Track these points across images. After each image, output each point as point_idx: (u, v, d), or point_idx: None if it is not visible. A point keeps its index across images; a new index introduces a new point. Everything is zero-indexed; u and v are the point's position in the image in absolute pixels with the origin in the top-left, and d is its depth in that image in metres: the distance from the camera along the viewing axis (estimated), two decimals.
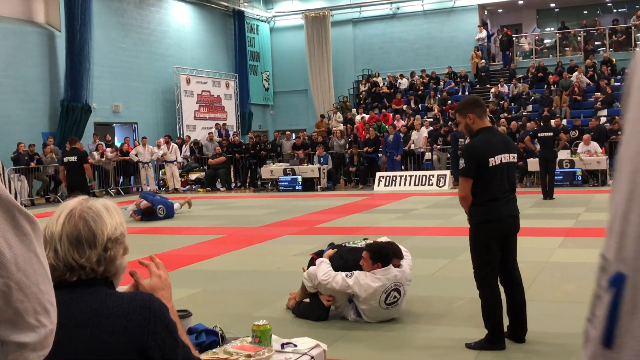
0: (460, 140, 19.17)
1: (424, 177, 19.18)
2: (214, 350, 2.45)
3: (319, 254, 6.04)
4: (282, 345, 2.57)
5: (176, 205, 14.45)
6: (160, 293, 1.89)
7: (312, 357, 2.50)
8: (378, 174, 19.79)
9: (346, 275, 5.38)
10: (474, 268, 4.88)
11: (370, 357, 4.80)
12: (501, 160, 4.78)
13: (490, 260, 4.81)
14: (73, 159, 13.41)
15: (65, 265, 1.74)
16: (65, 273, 1.73)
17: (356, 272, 5.39)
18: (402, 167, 20.35)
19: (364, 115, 24.96)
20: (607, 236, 0.61)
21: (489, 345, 4.78)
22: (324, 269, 5.50)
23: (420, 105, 26.05)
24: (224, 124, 26.10)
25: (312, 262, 5.92)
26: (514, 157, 4.91)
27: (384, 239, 6.12)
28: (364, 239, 6.17)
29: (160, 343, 1.71)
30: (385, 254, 5.44)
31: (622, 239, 0.58)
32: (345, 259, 5.68)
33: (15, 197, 0.91)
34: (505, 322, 4.94)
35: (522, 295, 4.93)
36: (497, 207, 4.76)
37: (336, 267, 5.57)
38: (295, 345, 2.58)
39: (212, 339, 2.53)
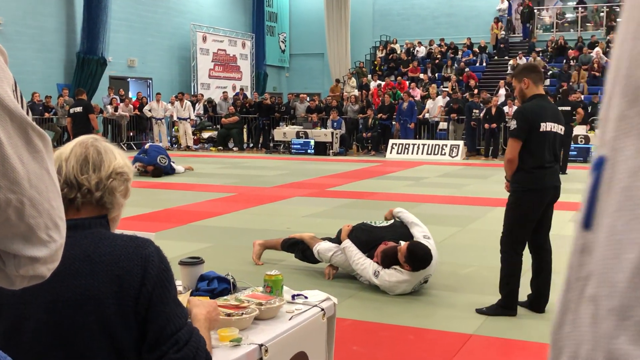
0: (474, 111, 19.06)
1: (437, 147, 19.09)
2: (225, 297, 2.46)
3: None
4: (293, 297, 2.58)
5: (179, 168, 14.51)
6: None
7: (323, 309, 2.51)
8: (391, 141, 19.71)
9: (374, 274, 5.33)
10: (504, 233, 4.86)
11: (378, 318, 4.83)
12: (551, 129, 4.75)
13: (525, 229, 4.79)
14: (78, 109, 13.47)
15: (65, 182, 1.75)
16: (63, 189, 1.72)
17: (382, 272, 5.30)
18: (416, 136, 20.25)
19: (379, 82, 24.78)
20: (598, 126, 0.61)
21: (501, 311, 4.80)
22: (357, 255, 5.45)
23: (437, 75, 25.81)
24: (241, 88, 25.82)
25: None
26: (561, 129, 4.85)
27: (404, 214, 5.96)
28: (385, 222, 5.97)
29: (150, 290, 1.67)
30: (422, 261, 5.24)
31: (605, 123, 0.58)
32: (360, 239, 5.64)
33: (27, 114, 0.92)
34: (527, 291, 4.95)
35: (550, 263, 4.93)
36: (542, 175, 4.72)
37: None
38: (306, 297, 2.59)
39: (223, 286, 2.54)
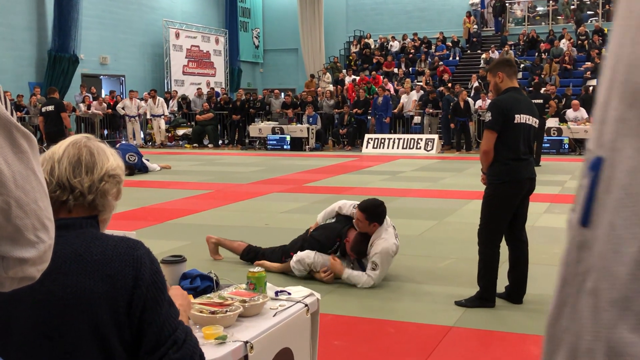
0: (451, 104, 19.18)
1: (413, 141, 19.19)
2: (208, 295, 2.46)
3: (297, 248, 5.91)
4: (277, 293, 2.59)
5: (153, 166, 14.40)
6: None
7: (307, 305, 2.52)
8: (367, 136, 19.77)
9: (369, 275, 5.37)
10: (481, 225, 4.91)
11: (358, 312, 4.86)
12: (526, 120, 4.82)
13: (502, 220, 4.85)
14: (50, 108, 13.34)
15: (57, 184, 1.75)
16: (55, 191, 1.72)
17: (372, 259, 5.36)
18: (391, 130, 20.34)
19: (354, 77, 24.81)
20: (591, 128, 0.64)
21: (480, 302, 4.86)
22: (353, 275, 5.45)
23: (411, 69, 25.93)
24: (212, 88, 25.53)
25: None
26: (535, 122, 4.92)
27: (325, 213, 5.99)
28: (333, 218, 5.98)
29: (144, 292, 1.68)
30: (381, 212, 5.45)
31: (601, 126, 0.61)
32: (319, 240, 5.70)
33: (12, 114, 0.91)
34: (505, 282, 5.01)
35: (527, 255, 5.00)
36: (518, 167, 4.79)
37: (313, 249, 5.66)
38: (289, 294, 2.60)
39: (206, 284, 2.54)
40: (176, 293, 2.01)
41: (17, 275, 0.94)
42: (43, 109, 13.53)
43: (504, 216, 4.84)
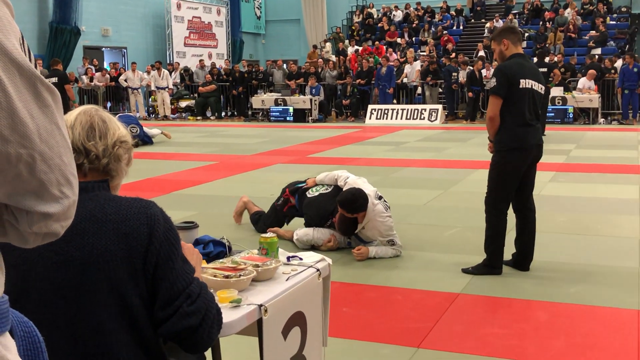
0: (453, 74, 19.08)
1: (416, 111, 19.13)
2: (221, 260, 2.48)
3: (294, 191, 6.04)
4: (288, 258, 2.60)
5: (155, 131, 14.39)
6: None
7: (318, 270, 2.54)
8: (370, 107, 19.70)
9: (394, 248, 5.43)
10: (488, 193, 4.90)
11: (364, 280, 4.89)
12: (531, 86, 4.79)
13: (509, 188, 4.84)
14: (54, 80, 13.40)
15: (72, 148, 1.76)
16: None
17: (391, 238, 5.41)
18: (394, 101, 20.26)
19: (357, 47, 24.65)
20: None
21: (487, 270, 4.88)
22: (381, 251, 5.45)
23: (414, 39, 25.75)
24: (212, 63, 25.20)
25: (285, 200, 6.07)
26: (541, 88, 4.89)
27: (325, 179, 5.93)
28: (321, 188, 5.93)
29: (157, 248, 1.72)
30: (360, 205, 5.26)
31: None
32: (312, 217, 5.73)
33: (35, 68, 0.91)
34: (512, 249, 5.03)
35: (534, 223, 5.00)
36: (525, 134, 4.76)
37: (310, 225, 5.73)
38: (301, 259, 2.62)
39: (219, 249, 2.56)
40: (187, 250, 2.03)
41: (41, 231, 0.94)
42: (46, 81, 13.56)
43: (510, 183, 4.84)
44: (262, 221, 6.15)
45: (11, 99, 0.85)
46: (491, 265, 4.89)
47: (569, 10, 24.20)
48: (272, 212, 6.18)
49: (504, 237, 4.89)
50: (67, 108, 12.02)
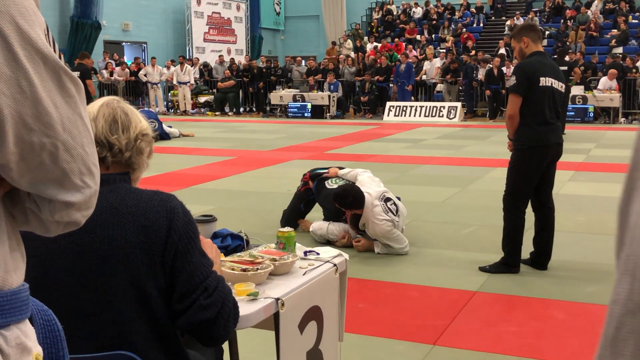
0: (474, 71, 18.99)
1: (435, 109, 19.05)
2: (239, 253, 2.49)
3: (313, 177, 6.11)
4: (305, 253, 2.61)
5: (174, 130, 14.50)
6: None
7: (335, 265, 2.55)
8: (388, 104, 19.66)
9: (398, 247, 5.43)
10: (507, 191, 4.88)
11: (381, 276, 4.89)
12: (551, 84, 4.75)
13: (527, 186, 4.81)
14: (76, 74, 13.52)
15: (95, 141, 1.79)
16: None
17: (385, 241, 5.40)
18: (413, 98, 20.19)
19: (375, 43, 24.59)
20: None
21: (505, 268, 4.86)
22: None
23: (434, 36, 25.64)
24: (232, 59, 25.21)
25: (304, 184, 6.19)
26: (561, 87, 4.85)
27: (347, 175, 5.97)
28: (340, 181, 5.98)
29: (176, 241, 1.73)
30: (351, 201, 5.33)
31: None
32: (330, 210, 5.77)
33: (60, 58, 0.92)
34: (530, 248, 5.01)
35: (553, 221, 4.97)
36: (545, 132, 4.73)
37: (327, 218, 5.85)
38: (318, 254, 2.63)
39: (237, 243, 2.57)
40: (206, 244, 2.05)
41: (62, 220, 0.95)
42: None
43: (529, 182, 4.81)
44: (284, 212, 6.23)
45: (36, 89, 0.86)
46: (509, 263, 4.87)
47: (595, 3, 23.84)
48: (292, 199, 6.29)
49: (521, 236, 4.87)
50: (88, 102, 12.42)
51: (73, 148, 0.91)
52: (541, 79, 4.71)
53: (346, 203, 5.38)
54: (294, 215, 6.13)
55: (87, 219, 0.99)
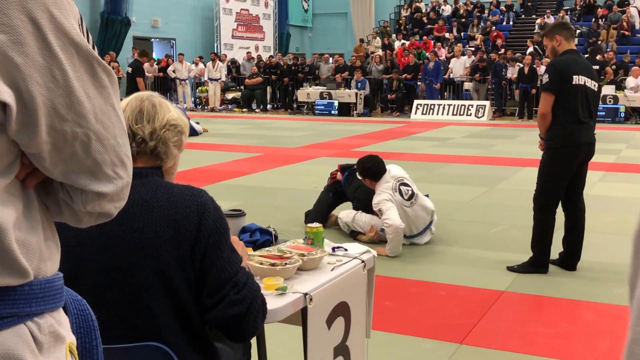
0: (503, 70, 18.83)
1: (463, 107, 18.92)
2: (267, 248, 2.49)
3: (344, 168, 6.14)
4: (334, 249, 2.61)
5: (198, 127, 14.63)
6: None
7: (363, 261, 2.54)
8: (416, 102, 19.57)
9: (385, 223, 5.37)
10: (537, 191, 4.82)
11: (407, 275, 4.87)
12: (584, 82, 4.68)
13: (559, 186, 4.75)
14: (129, 69, 13.80)
15: None
16: None
17: (376, 208, 5.46)
18: (441, 96, 20.07)
19: (403, 41, 24.49)
20: None
21: (533, 268, 4.81)
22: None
23: (462, 34, 25.46)
24: (259, 56, 25.31)
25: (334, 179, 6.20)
26: (595, 85, 4.78)
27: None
28: None
29: (206, 237, 1.73)
30: (368, 169, 5.50)
31: None
32: (361, 201, 5.83)
33: (93, 48, 0.92)
34: (560, 249, 4.95)
35: (584, 222, 4.91)
36: (578, 131, 4.66)
37: (357, 209, 5.88)
38: (346, 250, 2.62)
39: (265, 237, 2.57)
40: (232, 241, 2.05)
41: (95, 210, 0.95)
42: (128, 68, 14.07)
43: (560, 182, 4.75)
44: (313, 207, 6.23)
45: (69, 78, 0.86)
46: (537, 263, 4.82)
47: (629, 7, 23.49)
48: (320, 194, 6.29)
49: (551, 236, 4.81)
50: None
51: (105, 139, 0.91)
52: (574, 77, 4.64)
53: (364, 169, 5.49)
54: (324, 204, 6.10)
55: (119, 210, 0.99)
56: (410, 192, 5.48)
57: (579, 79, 4.65)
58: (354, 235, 5.74)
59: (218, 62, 21.61)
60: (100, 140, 0.91)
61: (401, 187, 5.46)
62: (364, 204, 5.74)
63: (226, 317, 1.76)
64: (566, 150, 4.67)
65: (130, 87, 13.70)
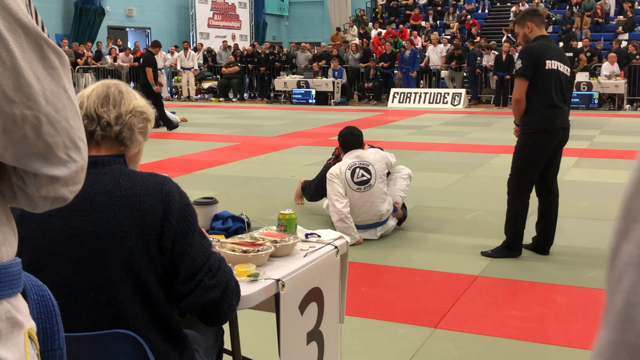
0: (477, 58, 18.91)
1: (439, 95, 18.99)
2: (240, 235, 2.49)
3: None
4: (307, 235, 2.61)
5: (174, 117, 14.49)
6: None
7: (336, 247, 2.54)
8: (392, 90, 19.60)
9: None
10: (511, 175, 4.85)
11: (383, 261, 4.89)
12: (557, 67, 4.71)
13: (533, 171, 4.78)
14: (142, 60, 13.79)
15: (85, 115, 1.80)
16: (82, 120, 1.76)
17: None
18: (417, 84, 20.12)
19: (380, 30, 24.48)
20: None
21: (506, 252, 4.86)
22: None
23: (438, 22, 25.50)
24: (236, 44, 25.18)
25: (336, 157, 6.06)
26: (567, 70, 4.81)
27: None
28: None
29: (174, 225, 1.72)
30: (341, 135, 5.55)
31: None
32: None
33: (43, 30, 0.90)
34: (533, 233, 5.00)
35: (557, 207, 4.96)
36: (554, 116, 4.69)
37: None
38: (319, 236, 2.63)
39: (238, 225, 2.57)
40: None
41: (49, 195, 0.94)
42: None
43: (535, 166, 4.78)
44: (311, 183, 6.22)
45: (16, 60, 0.84)
46: (510, 247, 4.87)
47: None
48: (321, 171, 6.19)
49: (524, 220, 4.86)
50: (148, 89, 12.48)
51: (57, 121, 0.90)
52: (547, 62, 4.67)
53: (339, 134, 5.55)
54: (324, 182, 6.00)
55: (75, 194, 0.98)
56: (364, 179, 5.32)
57: (551, 64, 4.69)
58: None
59: (190, 50, 21.45)
60: (52, 122, 0.89)
61: (358, 169, 5.32)
62: None
63: (202, 302, 1.76)
64: (541, 134, 4.71)
65: (141, 78, 13.60)
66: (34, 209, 0.97)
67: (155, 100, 12.84)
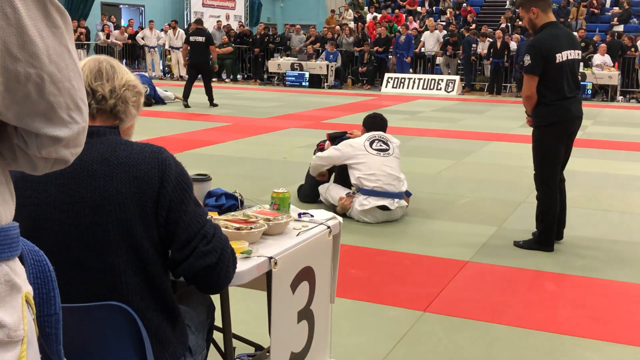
0: (473, 45, 18.88)
1: (433, 81, 18.96)
2: (233, 213, 2.49)
3: (333, 137, 6.08)
4: (300, 215, 2.61)
5: (168, 94, 14.43)
6: None
7: (329, 227, 2.54)
8: (386, 75, 19.56)
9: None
10: (536, 170, 4.74)
11: (374, 244, 4.90)
12: (567, 57, 4.58)
13: (555, 162, 4.67)
14: (200, 39, 13.58)
15: None
16: None
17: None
18: (412, 70, 20.09)
19: (375, 14, 24.38)
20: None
21: (538, 247, 4.76)
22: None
23: (434, 8, 25.41)
24: (228, 25, 25.02)
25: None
26: (578, 54, 4.70)
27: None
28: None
29: (169, 193, 1.73)
30: (367, 116, 5.91)
31: None
32: (338, 170, 5.85)
33: None
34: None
35: (565, 192, 4.90)
36: (566, 106, 4.59)
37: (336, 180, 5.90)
38: (312, 216, 2.62)
39: (231, 202, 2.56)
40: None
41: (50, 156, 0.93)
42: (192, 39, 13.58)
43: (556, 157, 4.66)
44: (305, 182, 6.13)
45: (20, 16, 0.83)
46: (542, 242, 4.76)
47: None
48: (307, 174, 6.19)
49: (555, 215, 4.75)
50: (208, 67, 12.56)
51: (60, 81, 0.89)
52: (557, 55, 4.53)
53: (366, 116, 5.93)
54: (313, 179, 6.00)
55: (75, 157, 0.97)
56: (383, 148, 5.57)
57: (562, 56, 4.55)
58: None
59: (179, 29, 21.26)
60: (55, 82, 0.88)
61: (376, 141, 5.59)
62: (342, 177, 5.70)
63: (197, 269, 1.77)
64: (556, 126, 4.61)
65: (202, 56, 13.43)
66: (34, 171, 0.96)
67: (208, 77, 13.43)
